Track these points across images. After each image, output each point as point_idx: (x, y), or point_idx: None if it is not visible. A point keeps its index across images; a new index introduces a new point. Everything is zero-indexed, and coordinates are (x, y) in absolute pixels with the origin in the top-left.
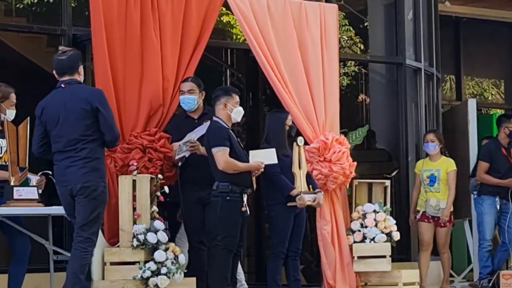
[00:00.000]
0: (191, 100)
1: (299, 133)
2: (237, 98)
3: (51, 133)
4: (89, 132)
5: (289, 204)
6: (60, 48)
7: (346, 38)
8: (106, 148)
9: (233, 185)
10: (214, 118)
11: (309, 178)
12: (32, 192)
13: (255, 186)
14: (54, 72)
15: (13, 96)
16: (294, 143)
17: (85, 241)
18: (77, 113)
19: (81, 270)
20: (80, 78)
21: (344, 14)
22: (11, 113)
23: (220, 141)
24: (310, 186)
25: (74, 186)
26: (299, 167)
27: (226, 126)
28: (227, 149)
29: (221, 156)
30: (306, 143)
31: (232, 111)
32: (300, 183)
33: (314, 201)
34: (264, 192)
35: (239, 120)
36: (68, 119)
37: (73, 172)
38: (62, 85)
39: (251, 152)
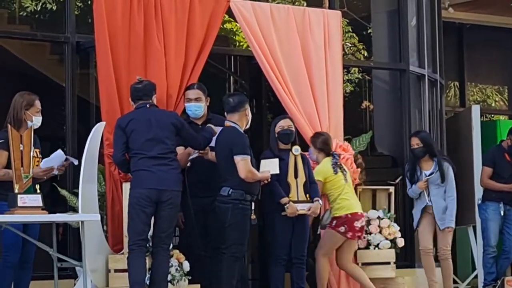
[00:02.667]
0: (198, 107)
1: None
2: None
3: (138, 141)
4: (175, 146)
5: (283, 213)
6: (137, 78)
7: (350, 45)
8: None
9: (246, 193)
10: (231, 124)
11: (310, 187)
12: (36, 200)
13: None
14: (131, 99)
15: (38, 103)
16: (290, 153)
17: (168, 248)
18: (168, 128)
19: (167, 277)
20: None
21: (348, 20)
22: (37, 120)
23: (245, 149)
24: (308, 195)
25: (168, 191)
26: (295, 176)
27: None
28: (249, 158)
29: (245, 164)
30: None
31: (249, 118)
32: (296, 192)
33: (309, 210)
34: (261, 199)
35: (247, 127)
36: (162, 131)
37: (172, 178)
38: (147, 105)
39: (262, 162)
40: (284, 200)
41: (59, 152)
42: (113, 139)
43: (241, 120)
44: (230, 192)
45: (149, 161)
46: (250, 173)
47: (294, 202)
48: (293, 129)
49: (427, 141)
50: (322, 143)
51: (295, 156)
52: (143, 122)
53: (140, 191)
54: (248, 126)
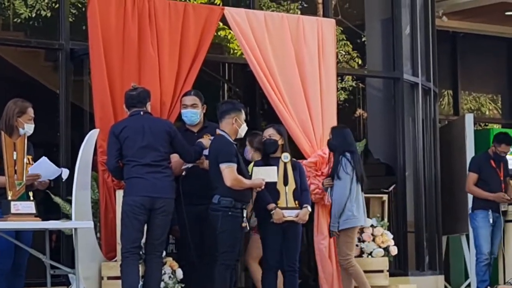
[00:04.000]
0: (194, 114)
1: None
2: (244, 114)
3: (132, 148)
4: (169, 154)
5: (271, 220)
6: (132, 85)
7: (344, 53)
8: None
9: (235, 201)
10: (220, 132)
11: (301, 194)
12: (29, 207)
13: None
14: (125, 105)
15: (30, 111)
16: (280, 160)
17: (161, 256)
18: (162, 136)
19: (160, 284)
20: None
21: (342, 28)
22: (29, 128)
23: (230, 157)
24: (297, 202)
25: (161, 199)
26: (284, 183)
27: (232, 141)
28: (235, 166)
29: (230, 172)
30: (303, 158)
31: (240, 126)
32: (284, 199)
33: (296, 216)
34: (254, 206)
35: (242, 136)
36: (155, 139)
37: (165, 186)
38: (141, 113)
39: (254, 169)
40: (270, 206)
41: (44, 159)
42: (106, 146)
43: (227, 128)
44: (219, 200)
45: (143, 169)
46: (236, 181)
47: (282, 208)
48: (277, 138)
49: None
50: (259, 142)
51: (285, 163)
52: (137, 130)
53: (134, 199)
54: (242, 135)
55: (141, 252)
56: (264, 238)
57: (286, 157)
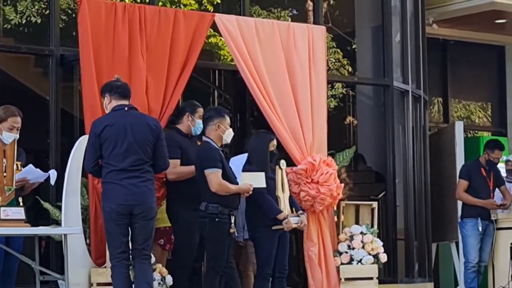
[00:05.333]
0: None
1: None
2: (228, 119)
3: (110, 151)
4: (150, 156)
5: (274, 227)
6: (116, 76)
7: (334, 60)
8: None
9: (222, 206)
10: (205, 139)
11: (290, 200)
12: (19, 213)
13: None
14: (109, 94)
15: (13, 120)
16: (277, 166)
17: (149, 258)
18: (145, 137)
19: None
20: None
21: (332, 36)
22: (8, 136)
23: (213, 162)
24: (293, 208)
25: (140, 206)
26: (282, 190)
27: (218, 147)
28: (220, 171)
29: (214, 178)
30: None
31: (224, 132)
32: (284, 206)
33: (300, 223)
34: (249, 213)
35: (229, 141)
36: (137, 141)
37: (143, 192)
38: (126, 108)
39: (241, 175)
40: (283, 215)
41: (30, 166)
42: (86, 144)
43: (212, 134)
44: (206, 207)
45: (120, 174)
46: (220, 186)
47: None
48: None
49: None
50: None
51: (282, 170)
52: (119, 130)
53: (111, 206)
54: (229, 141)
55: (130, 256)
56: (261, 246)
57: (283, 164)
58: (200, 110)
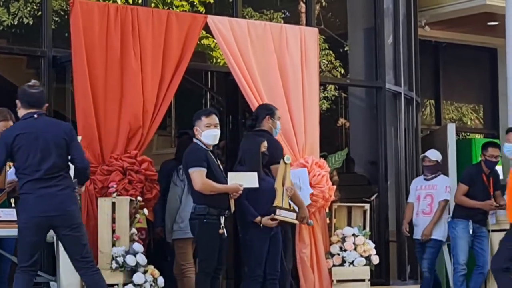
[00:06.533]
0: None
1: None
2: (207, 120)
3: (24, 161)
4: (66, 163)
5: (269, 219)
6: (32, 81)
7: (326, 62)
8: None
9: (210, 207)
10: (194, 140)
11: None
12: (11, 214)
13: (233, 208)
14: (20, 102)
15: (4, 125)
16: (281, 160)
17: (93, 264)
18: (58, 142)
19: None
20: (46, 112)
21: (324, 38)
22: None
23: (197, 162)
24: (291, 205)
25: (60, 215)
26: (282, 184)
27: (205, 148)
28: (204, 170)
29: (198, 176)
30: None
31: (201, 134)
32: (281, 199)
33: (296, 219)
34: (239, 214)
35: (210, 143)
36: (50, 148)
37: (61, 200)
38: (35, 116)
39: (230, 174)
40: (257, 219)
41: None
42: None
43: (197, 136)
44: (195, 208)
45: (36, 184)
46: (204, 184)
47: (279, 208)
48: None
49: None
50: None
51: (286, 164)
52: (30, 139)
53: (26, 219)
54: (210, 143)
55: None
56: (251, 247)
57: (288, 158)
58: (278, 112)
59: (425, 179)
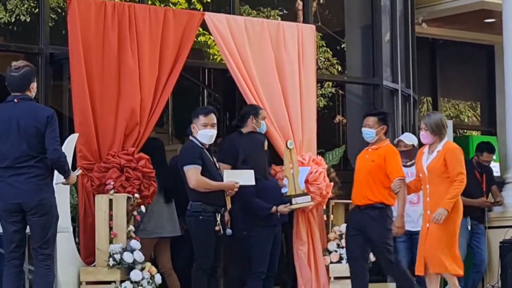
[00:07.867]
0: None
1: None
2: (204, 119)
3: None
4: (40, 150)
5: (284, 207)
6: (14, 63)
7: (323, 59)
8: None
9: (206, 204)
10: (190, 137)
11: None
12: None
13: (229, 206)
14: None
15: None
16: (285, 147)
17: (48, 258)
18: (31, 130)
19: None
20: (31, 94)
21: (322, 35)
22: None
23: (192, 159)
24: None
25: (28, 203)
26: (291, 170)
27: (201, 146)
28: (199, 167)
29: (192, 174)
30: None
31: (197, 133)
32: (293, 186)
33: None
34: (246, 213)
35: (205, 142)
36: (22, 135)
37: (29, 188)
38: (15, 100)
39: (226, 172)
40: (273, 209)
41: None
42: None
43: (195, 133)
44: (190, 205)
45: (5, 172)
46: (198, 182)
47: (293, 196)
48: None
49: None
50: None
51: (290, 150)
52: (3, 125)
53: (1, 204)
54: (206, 142)
55: (22, 257)
56: (257, 244)
57: (291, 143)
58: (263, 112)
59: (404, 166)
